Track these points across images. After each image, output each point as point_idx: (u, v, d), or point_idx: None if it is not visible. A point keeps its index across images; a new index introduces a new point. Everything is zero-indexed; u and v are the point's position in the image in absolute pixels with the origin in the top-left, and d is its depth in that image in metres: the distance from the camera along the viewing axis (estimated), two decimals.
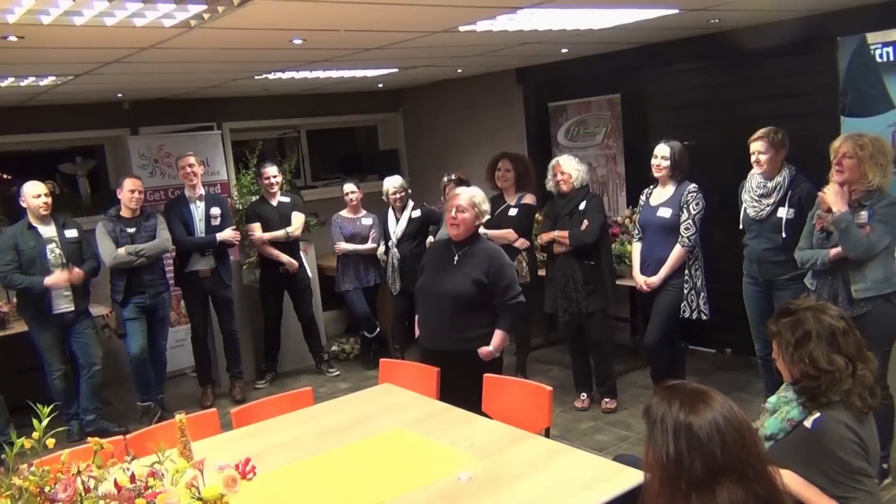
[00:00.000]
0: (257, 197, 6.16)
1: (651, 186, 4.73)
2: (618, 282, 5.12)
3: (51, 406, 2.27)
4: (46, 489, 2.06)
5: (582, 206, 4.75)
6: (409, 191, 6.17)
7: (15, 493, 2.02)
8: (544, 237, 4.87)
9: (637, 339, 5.97)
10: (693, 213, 4.45)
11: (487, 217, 3.81)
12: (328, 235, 6.32)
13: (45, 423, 2.23)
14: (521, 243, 5.14)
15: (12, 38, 3.26)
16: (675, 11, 4.14)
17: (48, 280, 4.84)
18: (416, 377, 3.61)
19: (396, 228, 5.99)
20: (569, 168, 4.77)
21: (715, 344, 5.91)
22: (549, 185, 4.93)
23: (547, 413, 3.06)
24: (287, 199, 6.05)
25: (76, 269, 4.91)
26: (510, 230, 5.11)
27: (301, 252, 6.17)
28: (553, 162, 4.91)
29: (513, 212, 5.20)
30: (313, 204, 6.98)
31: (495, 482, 2.49)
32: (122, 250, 5.06)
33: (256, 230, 5.88)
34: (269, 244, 5.92)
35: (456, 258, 3.66)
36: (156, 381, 5.42)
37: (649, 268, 4.64)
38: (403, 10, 3.49)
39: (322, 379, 6.13)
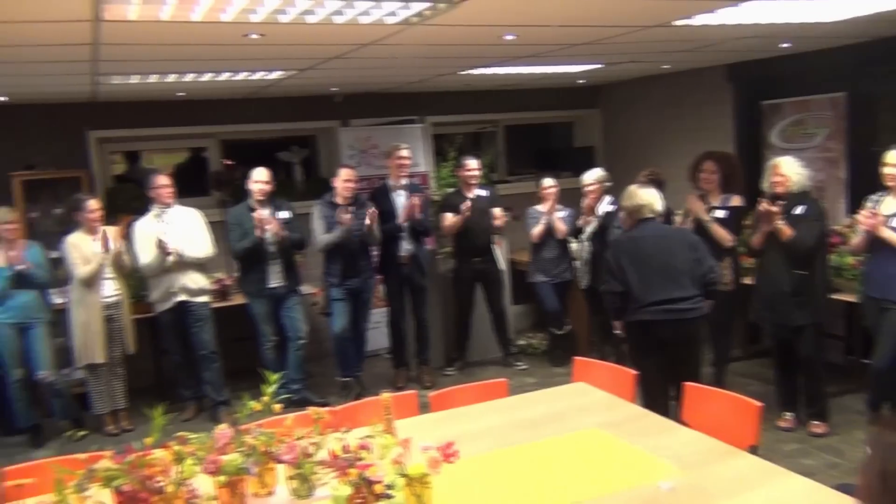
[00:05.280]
0: (454, 189, 6.31)
1: (879, 193, 4.29)
2: (833, 296, 4.71)
3: (276, 374, 2.48)
4: (273, 449, 2.25)
5: (798, 210, 4.40)
6: (610, 184, 5.96)
7: (247, 450, 2.22)
8: (768, 206, 4.36)
9: (851, 360, 5.47)
10: None
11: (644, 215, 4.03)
12: (521, 230, 6.35)
13: (272, 388, 2.43)
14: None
15: (254, 36, 3.56)
16: None
17: (255, 213, 5.20)
18: (610, 379, 3.54)
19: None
20: (788, 170, 4.45)
21: None
22: (765, 184, 4.64)
23: (754, 429, 2.87)
24: (485, 193, 6.13)
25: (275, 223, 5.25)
26: (724, 230, 4.88)
27: (494, 245, 6.25)
28: (773, 161, 4.60)
29: (720, 213, 4.94)
30: (508, 198, 7.04)
31: (700, 496, 2.38)
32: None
33: (447, 220, 6.02)
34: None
35: None
36: (355, 359, 5.74)
37: (877, 286, 4.22)
38: (619, 4, 3.42)
39: (508, 371, 6.17)
